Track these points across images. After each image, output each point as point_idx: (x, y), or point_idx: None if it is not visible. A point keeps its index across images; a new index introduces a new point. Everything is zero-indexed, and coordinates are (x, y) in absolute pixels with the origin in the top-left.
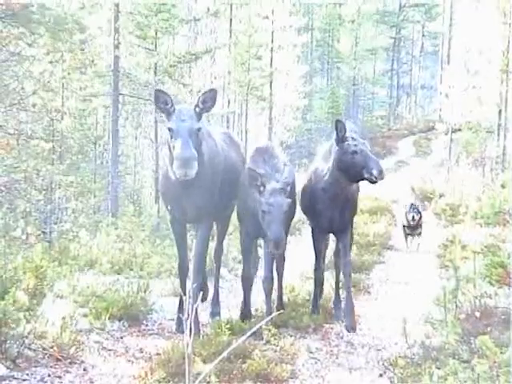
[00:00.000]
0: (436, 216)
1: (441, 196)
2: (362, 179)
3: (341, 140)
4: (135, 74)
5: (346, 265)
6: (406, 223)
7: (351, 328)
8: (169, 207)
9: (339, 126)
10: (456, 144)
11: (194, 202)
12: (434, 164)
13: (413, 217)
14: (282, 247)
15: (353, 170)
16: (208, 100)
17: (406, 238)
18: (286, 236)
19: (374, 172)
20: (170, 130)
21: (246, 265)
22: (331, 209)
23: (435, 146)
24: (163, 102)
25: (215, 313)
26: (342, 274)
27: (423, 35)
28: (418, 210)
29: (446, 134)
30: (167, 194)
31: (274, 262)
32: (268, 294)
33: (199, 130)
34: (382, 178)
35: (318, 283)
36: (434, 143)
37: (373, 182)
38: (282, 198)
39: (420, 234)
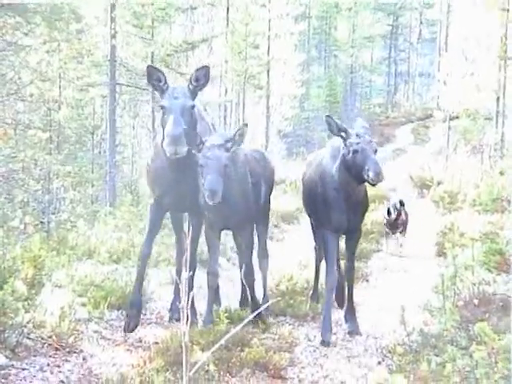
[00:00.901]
0: (434, 203)
1: (439, 183)
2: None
3: (344, 137)
4: (132, 63)
5: (349, 270)
6: (384, 220)
7: (356, 333)
8: (156, 192)
9: (329, 122)
10: (454, 131)
11: (189, 189)
12: (432, 152)
13: (388, 211)
14: (218, 198)
15: (354, 169)
16: (201, 77)
17: (385, 236)
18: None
19: (370, 174)
20: (162, 107)
21: (213, 259)
22: (346, 209)
23: (433, 134)
24: (156, 79)
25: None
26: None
27: (421, 22)
28: (397, 207)
29: (444, 122)
30: (158, 179)
31: (261, 261)
32: (250, 286)
33: (193, 107)
34: (380, 181)
35: (330, 290)
36: (432, 131)
37: (372, 184)
38: (221, 152)
39: (402, 233)
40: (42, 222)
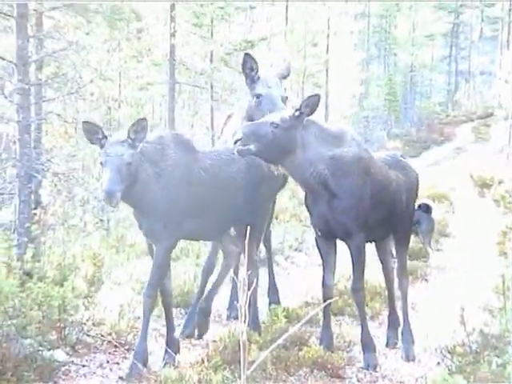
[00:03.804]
0: (495, 203)
1: (500, 183)
2: None
3: None
4: (191, 62)
5: (402, 283)
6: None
7: (410, 357)
8: None
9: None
10: None
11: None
12: (493, 151)
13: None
14: (115, 200)
15: None
16: (288, 71)
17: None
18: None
19: None
20: (258, 96)
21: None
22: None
23: (494, 133)
24: (250, 68)
25: (273, 300)
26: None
27: (482, 20)
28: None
29: (506, 120)
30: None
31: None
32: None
33: (286, 98)
34: None
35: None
36: (493, 129)
37: None
38: (125, 149)
39: (425, 245)
40: (101, 220)
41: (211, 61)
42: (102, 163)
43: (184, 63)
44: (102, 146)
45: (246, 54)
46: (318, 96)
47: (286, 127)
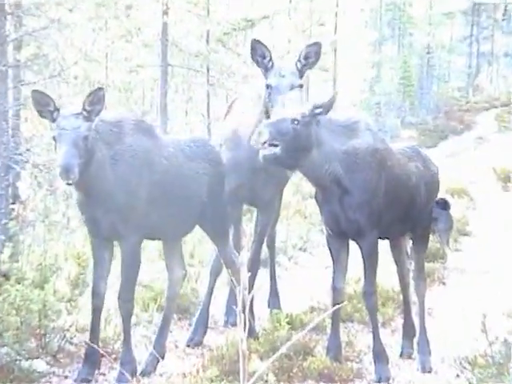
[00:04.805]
0: None
1: None
2: None
3: None
4: (185, 42)
5: (419, 287)
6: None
7: (427, 369)
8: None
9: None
10: None
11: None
12: None
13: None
14: (74, 176)
15: None
16: (311, 55)
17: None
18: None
19: None
20: (268, 86)
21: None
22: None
23: None
24: (261, 55)
25: (274, 305)
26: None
27: None
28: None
29: None
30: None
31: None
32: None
33: (301, 87)
34: None
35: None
36: None
37: None
38: (81, 121)
39: (442, 245)
40: None
41: (207, 41)
42: (54, 138)
43: (177, 44)
44: (53, 120)
45: (255, 41)
46: (318, 44)
47: (306, 123)
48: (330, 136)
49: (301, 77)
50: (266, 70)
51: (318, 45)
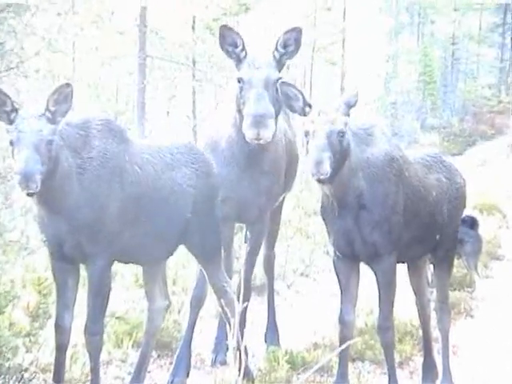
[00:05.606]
0: None
1: None
2: None
3: None
4: (167, 30)
5: (442, 320)
6: None
7: None
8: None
9: None
10: None
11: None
12: None
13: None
14: (34, 185)
15: None
16: (291, 42)
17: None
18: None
19: None
20: (240, 80)
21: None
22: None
23: None
24: (231, 44)
25: (272, 340)
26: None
27: None
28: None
29: None
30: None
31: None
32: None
33: (278, 80)
34: None
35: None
36: None
37: None
38: (43, 124)
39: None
40: None
41: (193, 28)
42: (11, 142)
43: (158, 31)
44: (11, 122)
45: (223, 27)
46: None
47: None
48: (352, 143)
49: (279, 69)
50: (239, 61)
51: (297, 30)
